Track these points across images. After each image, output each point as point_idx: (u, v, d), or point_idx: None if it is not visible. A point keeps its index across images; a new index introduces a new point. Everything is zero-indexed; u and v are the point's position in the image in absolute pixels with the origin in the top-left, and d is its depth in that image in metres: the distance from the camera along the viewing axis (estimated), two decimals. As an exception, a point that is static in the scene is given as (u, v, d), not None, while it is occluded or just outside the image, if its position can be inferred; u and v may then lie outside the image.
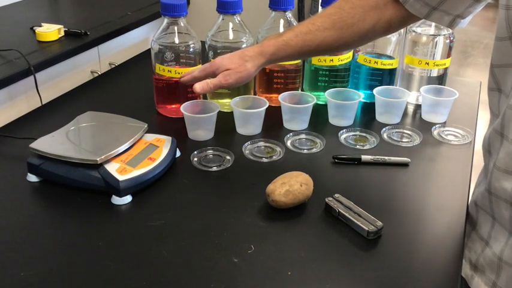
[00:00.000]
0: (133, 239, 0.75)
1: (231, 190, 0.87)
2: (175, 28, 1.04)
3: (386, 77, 1.16)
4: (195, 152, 0.95)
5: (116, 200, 0.82)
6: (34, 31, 1.62)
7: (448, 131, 1.07)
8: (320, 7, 1.12)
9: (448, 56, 1.14)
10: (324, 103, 1.13)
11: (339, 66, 1.14)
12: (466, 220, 0.81)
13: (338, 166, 0.94)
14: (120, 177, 0.81)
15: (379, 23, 0.85)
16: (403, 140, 1.03)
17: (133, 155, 0.87)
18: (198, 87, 0.91)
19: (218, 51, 1.07)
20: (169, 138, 0.93)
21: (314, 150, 0.99)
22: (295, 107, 1.06)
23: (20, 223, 0.78)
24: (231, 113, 1.05)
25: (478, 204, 0.80)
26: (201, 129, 1.01)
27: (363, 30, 0.86)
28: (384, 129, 1.06)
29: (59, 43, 1.59)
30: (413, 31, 1.14)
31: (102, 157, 0.83)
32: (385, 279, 0.69)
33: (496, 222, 0.75)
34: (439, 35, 1.12)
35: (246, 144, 0.98)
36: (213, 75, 0.92)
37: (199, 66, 1.02)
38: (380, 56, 1.15)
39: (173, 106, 1.08)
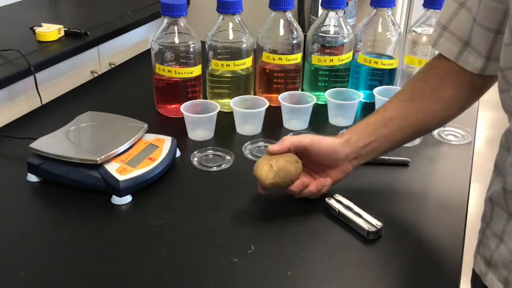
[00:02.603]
0: (133, 239, 0.75)
1: (231, 190, 0.87)
2: (175, 28, 1.04)
3: (386, 77, 1.16)
4: (195, 152, 0.95)
5: (116, 200, 0.82)
6: (34, 31, 1.62)
7: (448, 131, 1.07)
8: (320, 7, 1.12)
9: (448, 56, 1.14)
10: (324, 103, 1.13)
11: (339, 66, 1.14)
12: (466, 217, 0.81)
13: (338, 166, 0.94)
14: (120, 177, 0.81)
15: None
16: (403, 140, 1.03)
17: (133, 155, 0.87)
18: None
19: (218, 51, 1.07)
20: (169, 138, 0.93)
21: (314, 150, 0.98)
22: (295, 107, 1.06)
23: (20, 223, 0.78)
24: (231, 113, 1.05)
25: (493, 201, 0.79)
26: (201, 129, 1.01)
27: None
28: (384, 129, 1.05)
29: (59, 43, 1.59)
30: (414, 31, 1.14)
31: (102, 157, 0.83)
32: (385, 279, 0.69)
33: (511, 219, 0.74)
34: (439, 35, 1.12)
35: (246, 144, 0.98)
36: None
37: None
38: (380, 56, 1.15)
39: (173, 106, 1.08)
